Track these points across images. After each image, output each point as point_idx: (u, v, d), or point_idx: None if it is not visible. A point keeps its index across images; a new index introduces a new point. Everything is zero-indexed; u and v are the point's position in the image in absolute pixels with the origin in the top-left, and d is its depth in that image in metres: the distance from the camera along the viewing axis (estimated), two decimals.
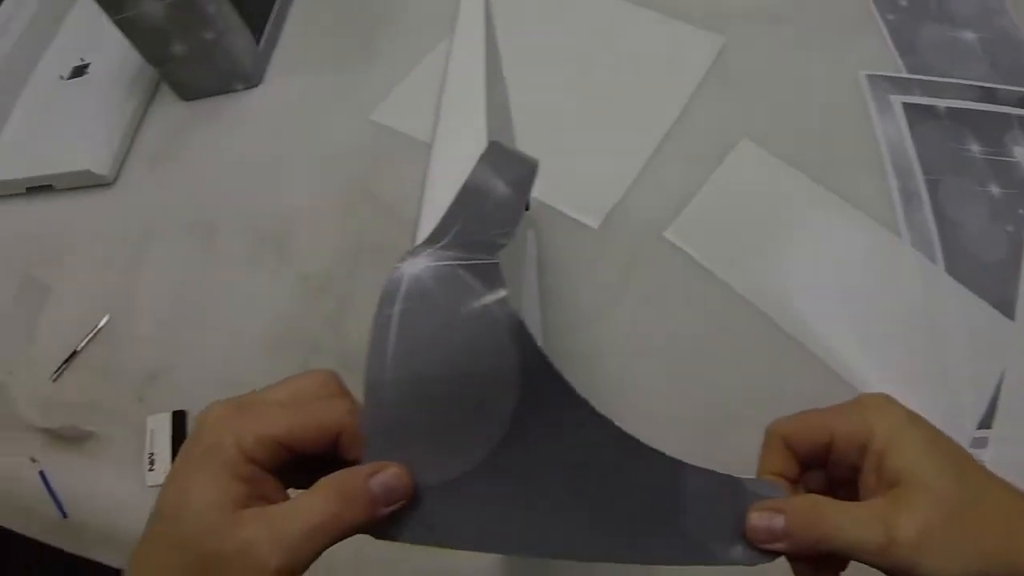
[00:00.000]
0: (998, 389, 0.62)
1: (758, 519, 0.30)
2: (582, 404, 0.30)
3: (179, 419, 0.66)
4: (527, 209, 0.66)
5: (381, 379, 0.29)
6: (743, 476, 0.31)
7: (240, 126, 0.80)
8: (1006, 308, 0.67)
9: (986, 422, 0.61)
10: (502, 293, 0.29)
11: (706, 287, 0.65)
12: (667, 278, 0.65)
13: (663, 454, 0.31)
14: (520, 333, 0.29)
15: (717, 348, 0.62)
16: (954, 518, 0.28)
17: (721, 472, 0.31)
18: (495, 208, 0.34)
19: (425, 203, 0.35)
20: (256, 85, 0.82)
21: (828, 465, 0.32)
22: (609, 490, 0.30)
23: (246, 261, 0.71)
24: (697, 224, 0.69)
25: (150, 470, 0.65)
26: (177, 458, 0.30)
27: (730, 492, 0.31)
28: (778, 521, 0.29)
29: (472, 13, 0.42)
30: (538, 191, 0.68)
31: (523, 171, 0.36)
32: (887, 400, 0.31)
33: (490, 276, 0.29)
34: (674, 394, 0.60)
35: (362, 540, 0.29)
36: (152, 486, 0.64)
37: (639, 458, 0.31)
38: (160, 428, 0.66)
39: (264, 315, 0.68)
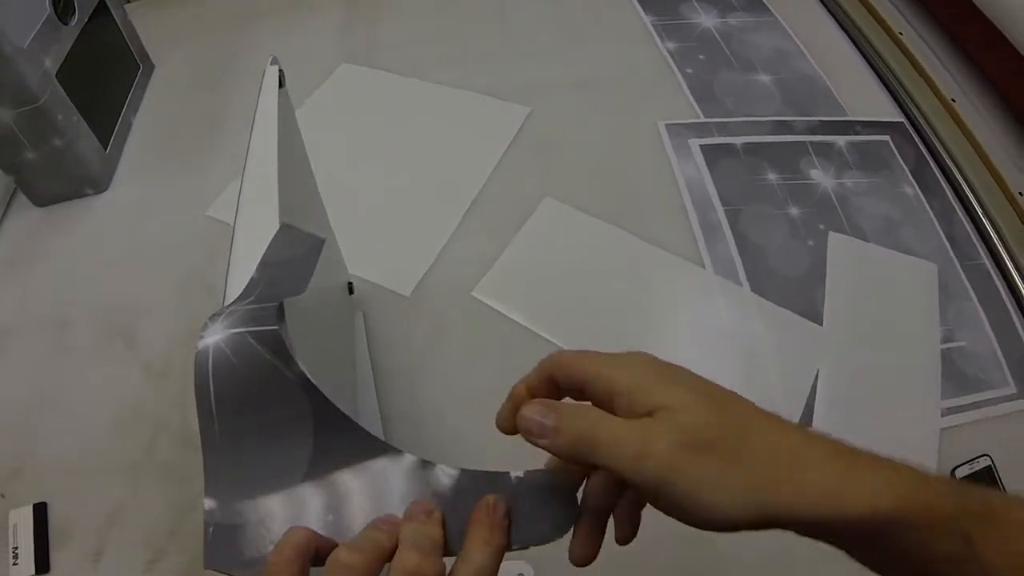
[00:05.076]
0: (814, 390, 0.68)
1: (531, 411, 0.31)
2: (366, 436, 0.35)
3: (40, 511, 0.68)
4: (351, 293, 0.72)
5: (212, 431, 0.34)
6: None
7: (90, 229, 0.85)
8: (813, 315, 0.73)
9: (806, 421, 0.66)
10: (288, 357, 0.34)
11: (515, 337, 0.70)
12: (478, 334, 0.71)
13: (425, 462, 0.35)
14: (308, 386, 0.34)
15: None
16: (716, 447, 0.28)
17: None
18: (287, 276, 0.40)
19: (231, 275, 0.40)
20: (104, 190, 0.87)
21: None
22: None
23: (95, 354, 0.75)
24: (504, 281, 0.75)
25: (14, 564, 0.66)
26: None
27: (500, 483, 0.34)
28: (550, 418, 0.31)
29: (267, 114, 0.48)
30: (359, 270, 0.74)
31: (311, 246, 0.43)
32: (641, 354, 0.32)
33: (274, 342, 0.34)
34: (495, 439, 0.64)
35: None
36: None
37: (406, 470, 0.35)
38: (22, 521, 0.67)
39: (112, 403, 0.71)
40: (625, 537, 0.34)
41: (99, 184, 0.87)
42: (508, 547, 0.32)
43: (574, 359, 0.33)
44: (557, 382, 0.34)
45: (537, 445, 0.31)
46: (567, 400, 0.33)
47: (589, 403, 0.32)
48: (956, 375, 0.70)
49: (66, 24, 0.81)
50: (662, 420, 0.29)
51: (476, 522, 0.31)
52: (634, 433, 0.29)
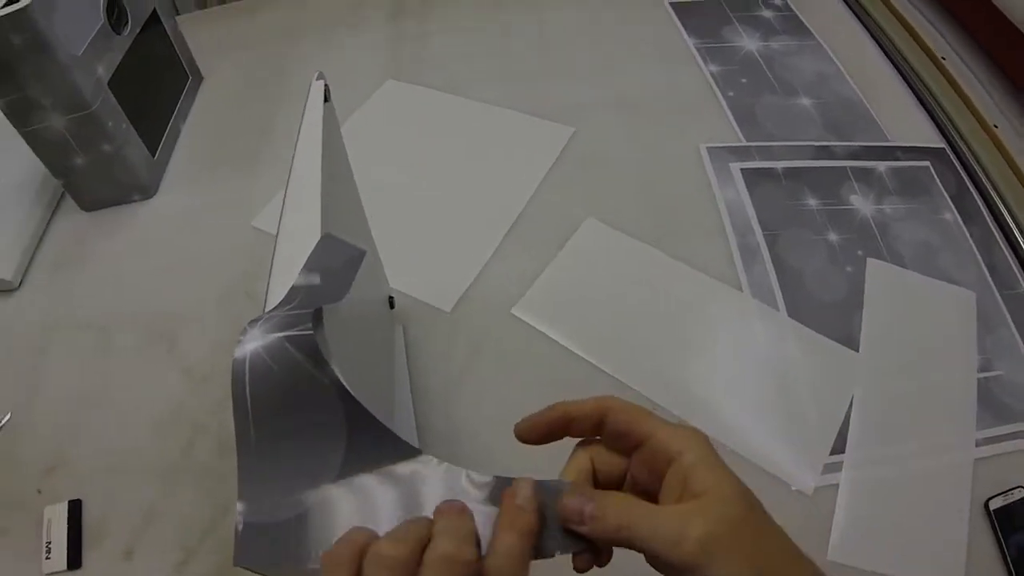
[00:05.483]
0: (848, 415, 0.68)
1: (572, 501, 0.33)
2: (398, 441, 0.36)
3: (75, 508, 0.69)
4: (392, 307, 0.73)
5: (247, 433, 0.35)
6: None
7: (136, 235, 0.86)
8: (850, 341, 0.73)
9: (839, 447, 0.66)
10: (323, 361, 0.35)
11: (553, 356, 0.70)
12: (515, 351, 0.71)
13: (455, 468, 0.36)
14: (342, 391, 0.35)
15: None
16: (743, 537, 0.31)
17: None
18: (328, 284, 0.41)
19: (272, 283, 0.41)
20: (151, 196, 0.89)
21: (632, 457, 0.36)
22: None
23: (137, 357, 0.76)
24: (544, 299, 0.76)
25: (47, 558, 0.67)
26: None
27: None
28: (589, 507, 0.32)
29: (312, 127, 0.49)
30: (401, 284, 0.75)
31: (351, 256, 0.44)
32: (700, 433, 0.35)
33: (309, 346, 0.35)
34: (527, 459, 0.64)
35: None
36: (48, 574, 0.66)
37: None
38: (57, 517, 0.69)
39: (151, 406, 0.73)
40: (584, 565, 0.35)
41: (146, 190, 0.88)
42: (540, 552, 0.33)
43: (641, 416, 0.35)
44: (604, 424, 0.36)
45: (577, 531, 0.33)
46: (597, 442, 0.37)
47: (624, 493, 0.35)
48: (993, 405, 0.69)
49: (119, 34, 0.83)
50: (706, 507, 0.31)
51: (502, 510, 0.33)
52: (676, 519, 0.31)
